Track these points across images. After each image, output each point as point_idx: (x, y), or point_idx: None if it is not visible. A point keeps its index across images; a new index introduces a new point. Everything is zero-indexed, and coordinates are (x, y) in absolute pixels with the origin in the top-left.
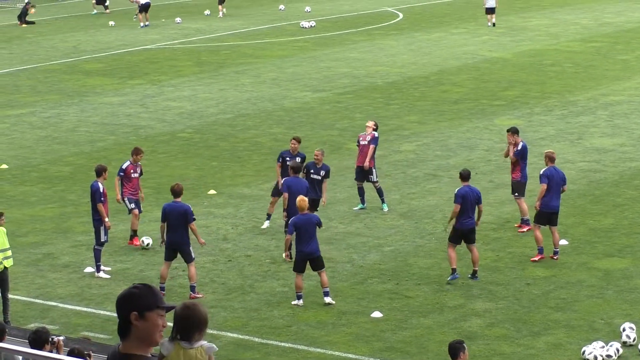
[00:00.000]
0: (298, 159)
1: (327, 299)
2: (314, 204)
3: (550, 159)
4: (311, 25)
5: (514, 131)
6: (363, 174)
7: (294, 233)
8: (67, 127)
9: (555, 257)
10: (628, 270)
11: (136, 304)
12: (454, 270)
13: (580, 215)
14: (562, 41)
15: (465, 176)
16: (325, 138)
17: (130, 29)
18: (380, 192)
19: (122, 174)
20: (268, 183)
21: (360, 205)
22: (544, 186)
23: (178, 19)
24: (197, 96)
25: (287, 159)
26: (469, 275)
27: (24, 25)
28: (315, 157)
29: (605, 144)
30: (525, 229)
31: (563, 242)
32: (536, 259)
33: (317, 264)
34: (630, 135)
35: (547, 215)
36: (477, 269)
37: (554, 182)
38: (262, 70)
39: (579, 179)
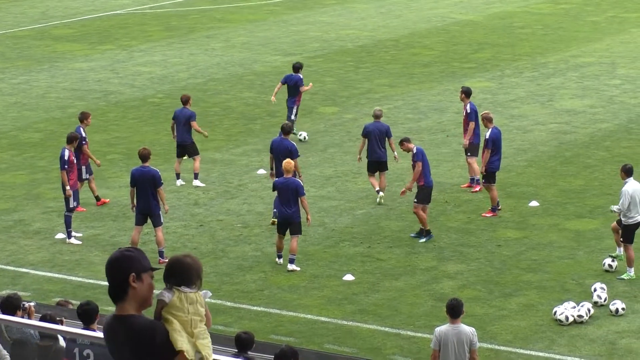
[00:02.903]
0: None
1: (291, 266)
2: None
3: (489, 120)
4: None
5: (467, 92)
6: None
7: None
8: (37, 94)
9: (495, 214)
10: (599, 230)
11: (133, 266)
12: (429, 231)
13: (551, 177)
14: (532, 3)
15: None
16: None
17: None
18: None
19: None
20: (239, 147)
21: None
22: (488, 151)
23: None
24: (168, 61)
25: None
26: (413, 234)
27: None
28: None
29: (576, 105)
30: (477, 189)
31: (534, 203)
32: (488, 215)
33: (293, 229)
34: (600, 97)
35: (495, 175)
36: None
37: (499, 142)
38: (232, 35)
39: (550, 140)
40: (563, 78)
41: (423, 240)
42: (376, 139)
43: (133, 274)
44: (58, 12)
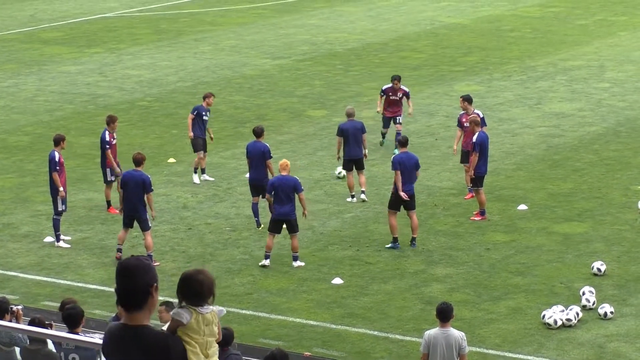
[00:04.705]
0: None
1: (296, 263)
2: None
3: (476, 123)
4: None
5: (468, 99)
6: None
7: (272, 192)
8: (26, 97)
9: (484, 217)
10: (587, 234)
11: (155, 276)
12: (395, 239)
13: (540, 180)
14: (520, 7)
15: (403, 143)
16: (285, 105)
17: None
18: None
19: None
20: (228, 151)
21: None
22: (476, 155)
23: None
24: (156, 64)
25: (203, 113)
26: (411, 244)
27: None
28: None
29: (564, 108)
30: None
31: (522, 207)
32: (477, 218)
33: (290, 227)
34: (588, 100)
35: (482, 179)
36: (416, 236)
37: (485, 147)
38: (221, 38)
39: (538, 143)
40: (552, 81)
41: (388, 246)
42: (352, 138)
43: (155, 284)
44: (46, 15)
